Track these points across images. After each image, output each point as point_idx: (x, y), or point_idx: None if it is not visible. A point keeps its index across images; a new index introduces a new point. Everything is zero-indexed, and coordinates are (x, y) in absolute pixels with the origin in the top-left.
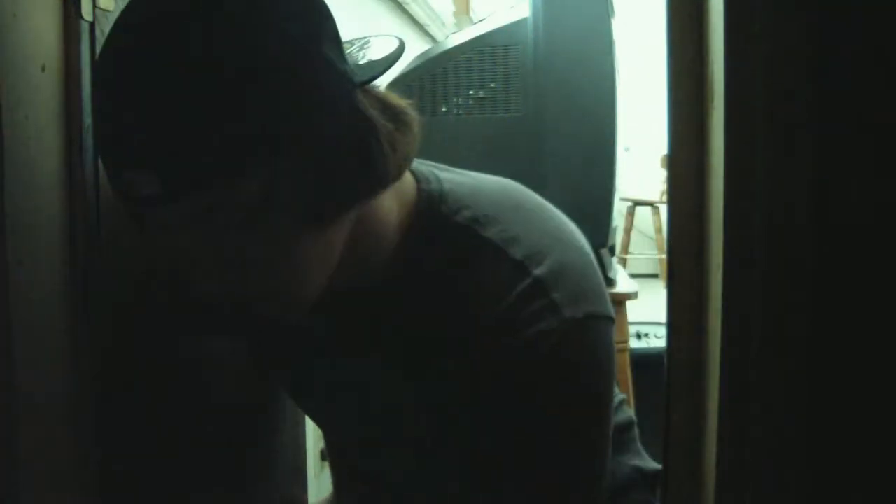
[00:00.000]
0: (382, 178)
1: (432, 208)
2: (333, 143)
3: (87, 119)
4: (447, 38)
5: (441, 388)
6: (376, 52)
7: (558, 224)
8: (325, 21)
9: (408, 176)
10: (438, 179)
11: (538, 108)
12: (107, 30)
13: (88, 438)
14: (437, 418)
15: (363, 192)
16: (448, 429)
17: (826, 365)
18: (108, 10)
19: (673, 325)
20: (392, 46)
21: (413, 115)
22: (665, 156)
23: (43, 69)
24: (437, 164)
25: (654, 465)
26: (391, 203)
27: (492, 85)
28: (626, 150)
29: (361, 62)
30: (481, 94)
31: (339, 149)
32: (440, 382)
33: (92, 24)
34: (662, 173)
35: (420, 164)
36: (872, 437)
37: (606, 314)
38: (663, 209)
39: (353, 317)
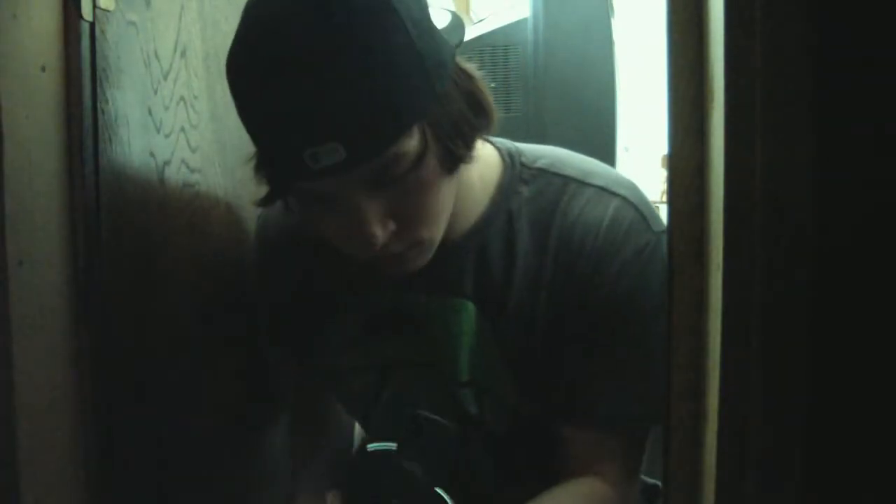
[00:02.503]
0: (490, 114)
1: (514, 160)
2: (454, 93)
3: (88, 119)
4: None
5: (542, 321)
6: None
7: (608, 166)
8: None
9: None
10: (507, 141)
11: (538, 107)
12: (107, 30)
13: (88, 438)
14: (535, 352)
15: (479, 131)
16: (545, 359)
17: (826, 365)
18: (108, 10)
19: (673, 325)
20: (446, 15)
21: (473, 66)
22: (665, 156)
23: (43, 69)
24: None
25: (652, 481)
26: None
27: (492, 85)
28: (626, 150)
29: None
30: None
31: (457, 97)
32: (541, 318)
33: (92, 24)
34: (662, 173)
35: None
36: (873, 437)
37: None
38: (663, 209)
39: (447, 269)
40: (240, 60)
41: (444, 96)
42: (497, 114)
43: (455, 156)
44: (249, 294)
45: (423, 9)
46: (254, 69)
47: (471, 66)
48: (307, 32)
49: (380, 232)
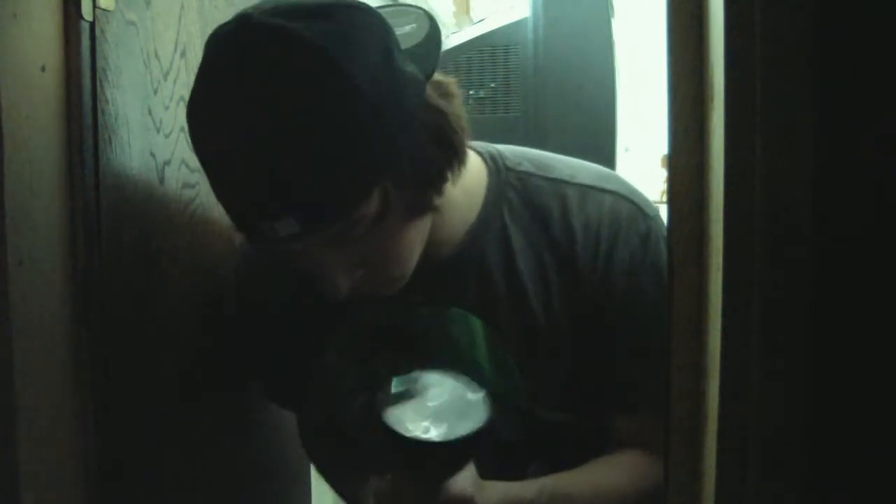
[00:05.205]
0: (461, 155)
1: (498, 165)
2: (421, 142)
3: (88, 119)
4: (447, 38)
5: (555, 327)
6: (405, 26)
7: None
8: (389, 35)
9: None
10: (488, 144)
11: (538, 108)
12: (107, 30)
13: (88, 438)
14: (549, 356)
15: (450, 172)
16: (560, 361)
17: (826, 365)
18: (108, 10)
19: (673, 325)
20: (424, 22)
21: (452, 82)
22: (665, 156)
23: (43, 69)
24: None
25: None
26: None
27: (492, 85)
28: (627, 150)
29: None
30: (481, 94)
31: (425, 144)
32: (554, 323)
33: (92, 24)
34: (662, 173)
35: None
36: (873, 437)
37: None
38: (663, 209)
39: (448, 284)
40: (193, 132)
41: (407, 146)
42: (467, 151)
43: (421, 207)
44: (234, 324)
45: (385, 46)
46: (206, 142)
47: (449, 86)
48: (252, 111)
49: (344, 281)
